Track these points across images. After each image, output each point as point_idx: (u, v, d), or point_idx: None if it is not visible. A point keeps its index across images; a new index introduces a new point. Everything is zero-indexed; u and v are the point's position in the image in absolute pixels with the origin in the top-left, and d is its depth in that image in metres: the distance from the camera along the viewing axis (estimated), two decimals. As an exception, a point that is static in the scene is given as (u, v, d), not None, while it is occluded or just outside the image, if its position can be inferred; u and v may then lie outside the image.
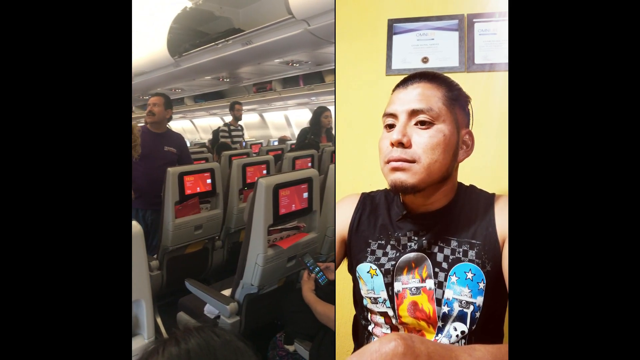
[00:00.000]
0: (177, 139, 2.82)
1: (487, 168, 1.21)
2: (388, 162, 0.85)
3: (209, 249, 2.50)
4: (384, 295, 0.91)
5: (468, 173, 1.01)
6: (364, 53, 1.38)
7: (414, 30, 1.34)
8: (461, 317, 0.86)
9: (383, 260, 0.92)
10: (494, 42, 1.28)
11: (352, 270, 0.99)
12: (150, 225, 2.61)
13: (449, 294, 0.87)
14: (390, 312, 0.91)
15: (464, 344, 0.86)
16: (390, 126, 0.88)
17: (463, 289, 0.86)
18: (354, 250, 0.97)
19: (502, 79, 1.23)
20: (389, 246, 0.93)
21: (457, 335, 0.87)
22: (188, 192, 2.26)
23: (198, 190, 2.30)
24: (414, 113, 0.85)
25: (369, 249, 0.95)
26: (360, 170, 1.32)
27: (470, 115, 0.92)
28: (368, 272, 0.93)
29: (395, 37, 1.35)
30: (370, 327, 0.97)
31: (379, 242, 0.94)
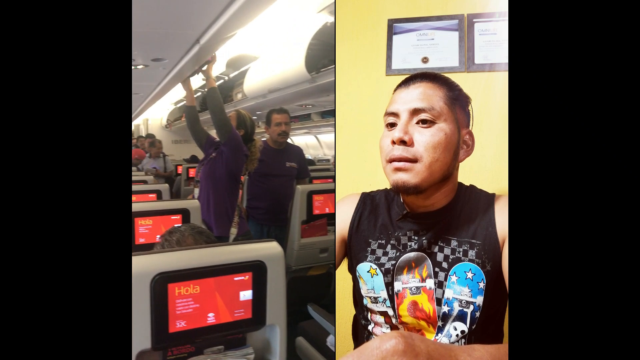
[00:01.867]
0: (298, 153, 2.78)
1: (487, 168, 1.21)
2: (390, 161, 0.86)
3: (333, 275, 2.43)
4: (384, 294, 0.91)
5: (468, 173, 1.01)
6: (364, 53, 1.38)
7: (414, 30, 1.34)
8: (461, 317, 0.86)
9: (383, 259, 0.92)
10: (494, 42, 1.29)
11: (352, 269, 0.99)
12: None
13: (449, 293, 0.87)
14: (390, 312, 0.92)
15: (464, 343, 0.87)
16: (392, 125, 0.88)
17: (463, 289, 0.86)
18: (354, 250, 0.97)
19: (502, 79, 1.23)
20: (389, 246, 0.93)
21: (457, 335, 0.87)
22: (316, 212, 2.18)
23: (327, 211, 2.22)
24: (415, 112, 0.85)
25: (369, 249, 0.95)
26: (360, 170, 1.32)
27: (471, 115, 0.93)
28: (368, 271, 0.93)
29: (395, 37, 1.35)
30: (370, 327, 0.97)
31: (379, 241, 0.95)
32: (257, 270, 0.84)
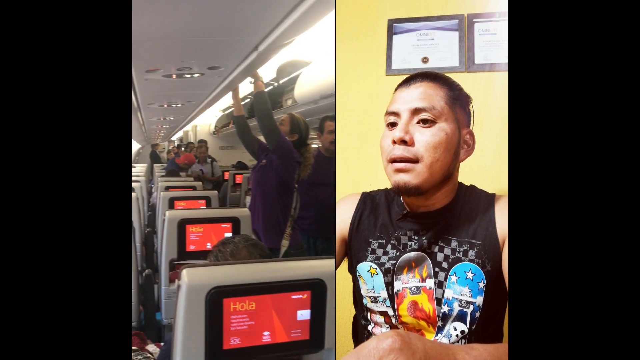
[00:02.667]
0: None
1: (487, 168, 1.21)
2: (391, 161, 0.86)
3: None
4: (384, 294, 0.91)
5: (468, 173, 1.01)
6: (364, 53, 1.38)
7: (414, 30, 1.34)
8: (461, 317, 0.86)
9: (383, 259, 0.92)
10: (494, 42, 1.28)
11: (352, 269, 0.99)
12: (320, 254, 2.52)
13: (449, 293, 0.87)
14: (390, 312, 0.91)
15: (464, 343, 0.87)
16: (392, 125, 0.88)
17: (463, 289, 0.86)
18: (355, 250, 0.97)
19: (502, 79, 1.23)
20: (389, 245, 0.93)
21: (457, 335, 0.87)
22: None
23: None
24: (416, 111, 0.86)
25: (370, 248, 0.95)
26: (360, 170, 1.32)
27: (471, 115, 0.93)
28: (368, 271, 0.93)
29: (395, 37, 1.35)
30: (370, 327, 0.97)
31: (380, 241, 0.95)
32: (316, 289, 0.81)
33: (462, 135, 0.89)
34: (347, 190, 1.15)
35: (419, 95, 0.87)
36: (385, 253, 0.93)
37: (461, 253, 0.87)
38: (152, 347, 1.37)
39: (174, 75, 2.36)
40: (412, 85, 0.89)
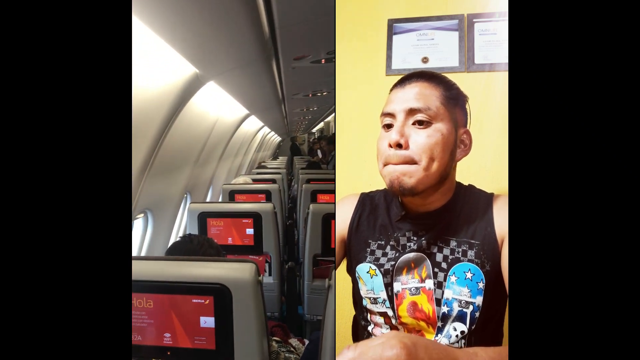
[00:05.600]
0: None
1: (487, 168, 1.21)
2: (386, 164, 0.86)
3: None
4: (383, 295, 0.91)
5: (467, 173, 1.01)
6: (364, 53, 1.38)
7: (414, 30, 1.34)
8: (461, 317, 0.86)
9: (382, 260, 0.92)
10: (494, 42, 1.28)
11: (351, 270, 0.99)
12: None
13: (448, 294, 0.87)
14: (390, 312, 0.91)
15: (464, 344, 0.87)
16: (388, 126, 0.88)
17: (462, 289, 0.86)
18: (354, 251, 0.97)
19: (502, 79, 1.23)
20: (388, 246, 0.93)
21: (456, 336, 0.87)
22: None
23: None
24: (411, 112, 0.85)
25: (369, 249, 0.95)
26: (360, 170, 1.32)
27: (468, 114, 0.92)
28: (368, 272, 0.93)
29: (395, 37, 1.35)
30: (370, 328, 0.97)
31: (379, 242, 0.94)
32: None
33: (459, 134, 0.89)
34: (347, 190, 1.15)
35: (414, 95, 0.86)
36: (385, 254, 0.93)
37: (460, 253, 0.87)
38: (294, 342, 1.31)
39: (323, 60, 2.14)
40: (407, 86, 0.88)
